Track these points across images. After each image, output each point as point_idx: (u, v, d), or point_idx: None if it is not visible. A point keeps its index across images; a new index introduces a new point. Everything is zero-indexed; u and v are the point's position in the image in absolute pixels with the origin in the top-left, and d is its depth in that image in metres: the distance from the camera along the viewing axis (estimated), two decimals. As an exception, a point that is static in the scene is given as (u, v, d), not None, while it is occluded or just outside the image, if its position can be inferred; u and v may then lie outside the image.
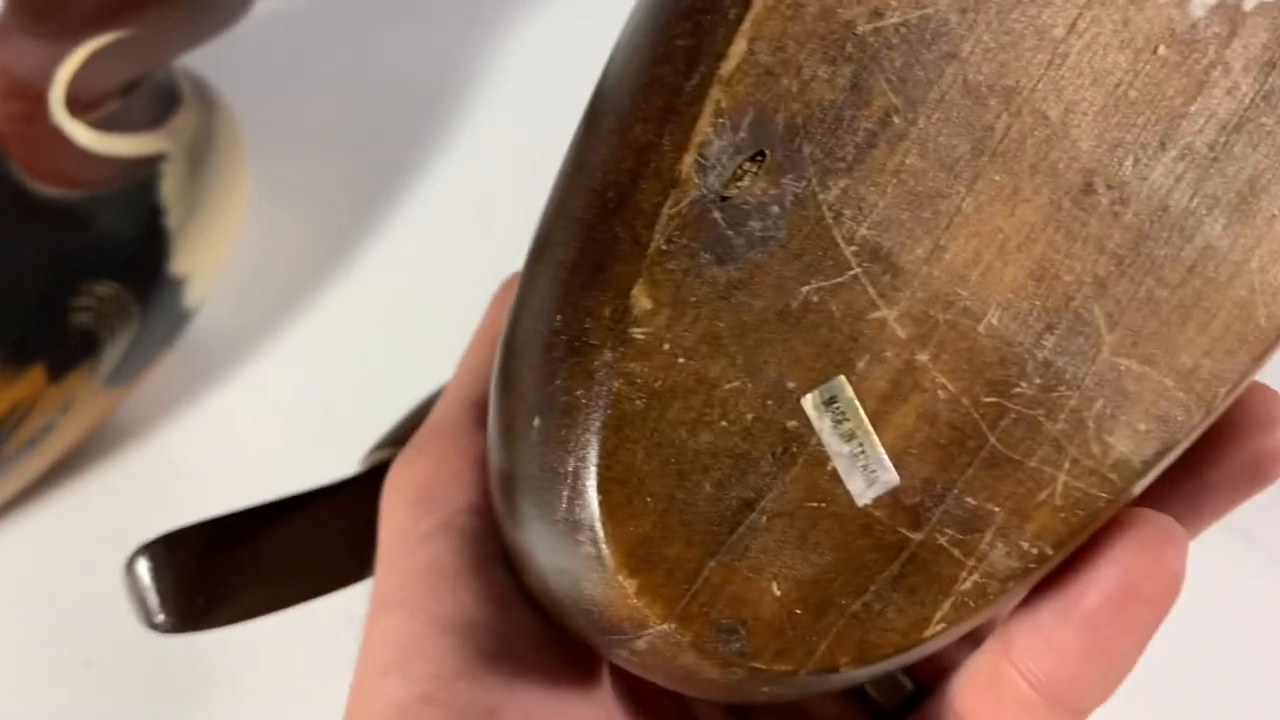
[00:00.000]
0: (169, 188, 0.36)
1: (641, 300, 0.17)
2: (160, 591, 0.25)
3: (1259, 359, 0.18)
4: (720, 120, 0.16)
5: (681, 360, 0.17)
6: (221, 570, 0.26)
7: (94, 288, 0.34)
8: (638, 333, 0.17)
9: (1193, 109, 0.17)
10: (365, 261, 0.43)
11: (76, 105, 0.32)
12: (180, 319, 0.38)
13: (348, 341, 0.41)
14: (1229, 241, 0.17)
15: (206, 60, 0.41)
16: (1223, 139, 0.17)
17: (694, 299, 0.17)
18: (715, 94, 0.16)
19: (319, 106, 0.44)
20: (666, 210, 0.17)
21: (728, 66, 0.16)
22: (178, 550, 0.25)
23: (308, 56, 0.45)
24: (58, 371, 0.34)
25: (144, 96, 0.34)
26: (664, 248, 0.17)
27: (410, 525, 0.22)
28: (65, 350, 0.34)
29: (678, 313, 0.17)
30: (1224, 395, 0.18)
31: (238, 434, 0.40)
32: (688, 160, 0.16)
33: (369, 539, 0.23)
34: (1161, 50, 0.17)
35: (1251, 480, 0.19)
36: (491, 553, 0.21)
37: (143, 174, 0.35)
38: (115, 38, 0.31)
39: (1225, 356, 0.17)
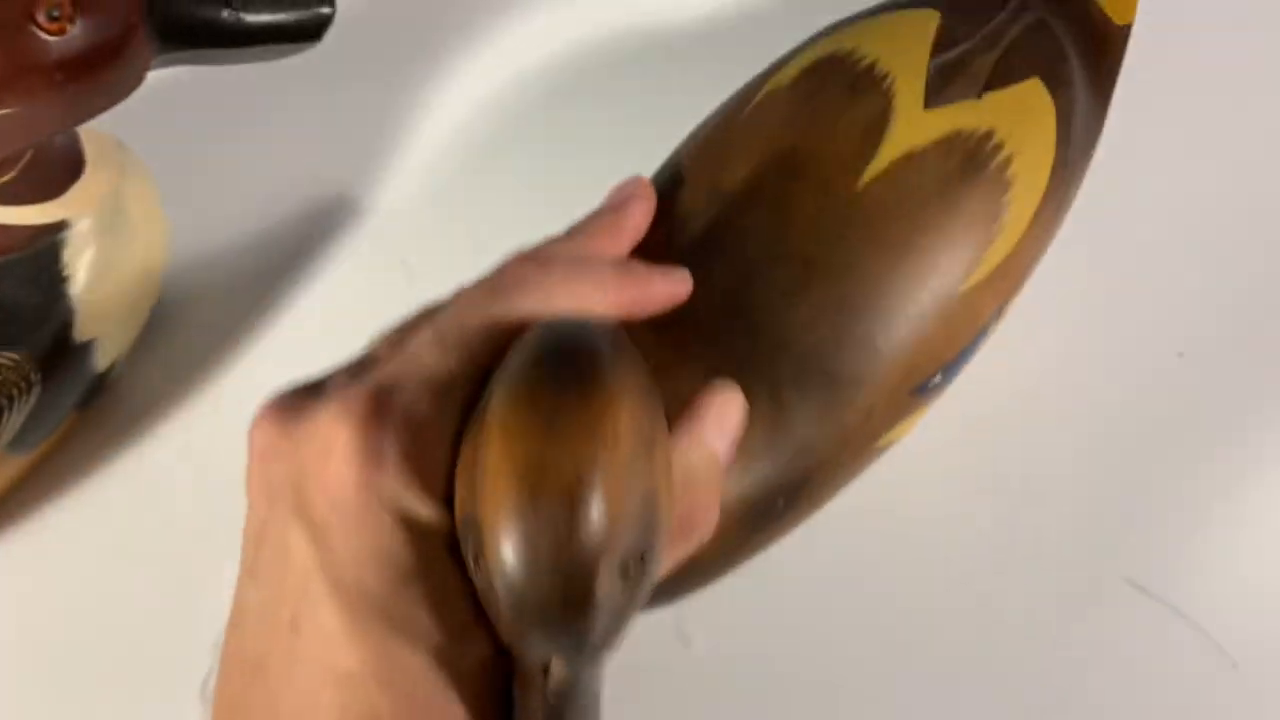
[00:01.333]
0: (72, 255, 0.36)
1: None
2: None
3: None
4: None
5: None
6: None
7: (-8, 357, 0.34)
8: None
9: None
10: (287, 313, 0.43)
11: (-36, 181, 0.32)
12: (89, 381, 0.38)
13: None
14: None
15: (123, 119, 0.41)
16: None
17: None
18: None
19: (236, 162, 0.44)
20: None
21: None
22: None
23: (226, 113, 0.45)
24: (-45, 442, 0.34)
25: (41, 166, 0.35)
26: None
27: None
28: (-38, 421, 0.34)
29: None
30: None
31: (159, 491, 0.40)
32: None
33: None
34: None
35: None
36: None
37: (44, 242, 0.35)
38: (-3, 115, 0.31)
39: None
